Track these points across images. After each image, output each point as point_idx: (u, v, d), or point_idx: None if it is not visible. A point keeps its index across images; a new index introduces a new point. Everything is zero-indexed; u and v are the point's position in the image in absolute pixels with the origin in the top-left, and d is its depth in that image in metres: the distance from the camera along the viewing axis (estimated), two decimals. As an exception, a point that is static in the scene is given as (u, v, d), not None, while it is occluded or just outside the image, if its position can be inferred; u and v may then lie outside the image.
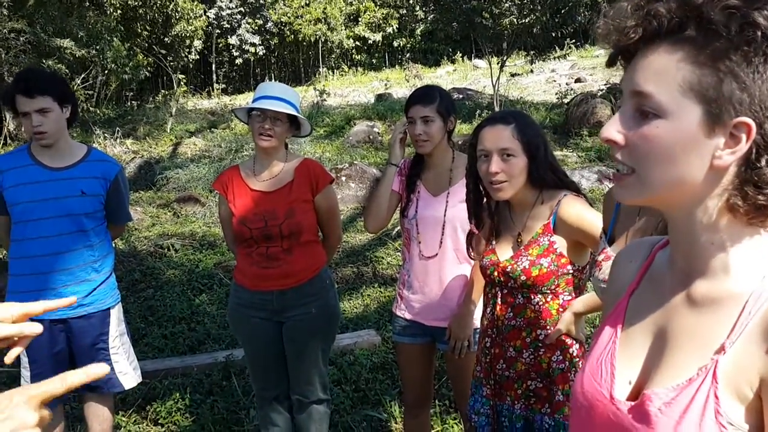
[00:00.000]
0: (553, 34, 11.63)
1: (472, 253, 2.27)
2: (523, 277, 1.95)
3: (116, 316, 2.91)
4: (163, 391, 3.79)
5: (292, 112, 2.66)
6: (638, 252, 1.07)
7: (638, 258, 1.06)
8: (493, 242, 2.11)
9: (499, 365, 2.03)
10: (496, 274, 2.03)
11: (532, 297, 1.97)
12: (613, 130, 0.87)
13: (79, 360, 2.84)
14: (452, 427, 3.36)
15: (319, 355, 2.84)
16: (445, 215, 2.55)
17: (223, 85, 24.35)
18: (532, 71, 13.95)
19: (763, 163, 0.78)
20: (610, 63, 0.92)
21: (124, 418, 3.51)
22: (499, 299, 2.03)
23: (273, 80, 27.12)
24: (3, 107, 13.60)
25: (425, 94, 2.55)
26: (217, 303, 5.18)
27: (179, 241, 6.52)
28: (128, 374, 2.95)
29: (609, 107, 10.10)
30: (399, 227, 6.86)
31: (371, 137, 10.56)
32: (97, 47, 14.06)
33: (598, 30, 0.89)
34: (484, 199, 2.09)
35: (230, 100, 17.93)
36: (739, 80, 0.76)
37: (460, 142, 7.53)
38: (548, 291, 1.95)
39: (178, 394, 3.75)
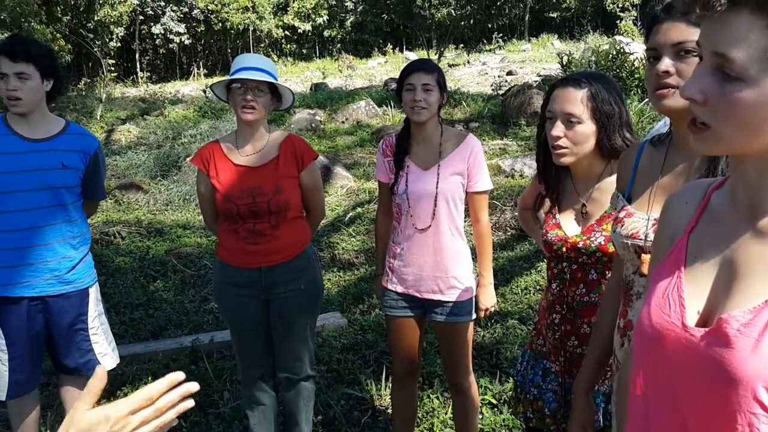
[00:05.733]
0: (489, 26, 11.88)
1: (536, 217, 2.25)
2: (598, 254, 1.88)
3: (94, 295, 2.82)
4: (131, 376, 3.69)
5: (273, 80, 2.62)
6: (693, 193, 1.12)
7: (694, 199, 1.11)
8: (556, 215, 2.04)
9: (570, 342, 1.98)
10: (564, 249, 1.96)
11: (607, 273, 1.88)
12: (695, 89, 0.90)
13: (58, 342, 2.74)
14: (432, 399, 3.42)
15: (307, 331, 2.83)
16: (437, 188, 2.59)
17: (148, 73, 23.58)
18: (468, 62, 14.18)
19: None
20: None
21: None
22: (567, 275, 1.97)
23: (200, 69, 26.50)
24: None
25: (427, 63, 2.59)
26: (173, 289, 5.06)
27: (125, 228, 6.31)
28: (107, 355, 2.86)
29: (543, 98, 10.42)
30: (351, 213, 6.88)
31: (313, 125, 10.51)
32: (19, 30, 13.34)
33: None
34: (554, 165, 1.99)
35: (159, 88, 17.39)
36: None
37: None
38: None
39: (146, 379, 3.65)
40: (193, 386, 1.00)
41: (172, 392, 0.99)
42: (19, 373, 2.67)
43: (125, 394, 3.48)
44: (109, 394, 3.54)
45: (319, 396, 3.50)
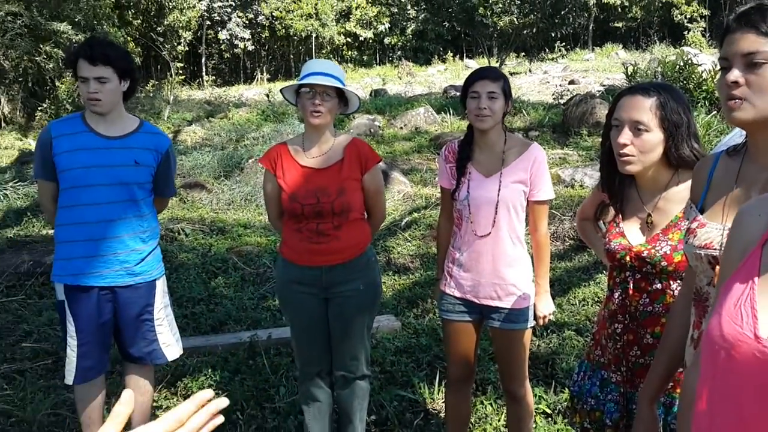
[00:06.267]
0: (552, 34, 11.77)
1: (599, 226, 2.25)
2: (663, 263, 1.87)
3: (161, 288, 2.92)
4: (192, 368, 3.81)
5: (341, 86, 2.68)
6: (766, 206, 1.12)
7: (766, 211, 1.11)
8: (620, 224, 2.02)
9: (632, 352, 1.96)
10: (628, 258, 1.94)
11: (671, 283, 1.88)
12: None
13: (124, 331, 2.85)
14: (485, 406, 3.42)
15: (365, 330, 2.87)
16: (498, 195, 2.59)
17: (213, 77, 24.23)
18: (530, 71, 14.05)
19: None
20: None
21: (155, 394, 3.51)
22: (630, 284, 1.95)
23: (263, 74, 27.09)
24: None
25: (493, 71, 2.59)
26: (233, 286, 5.19)
27: (189, 225, 6.51)
28: (171, 346, 2.96)
29: (607, 107, 10.24)
30: (407, 218, 6.92)
31: (372, 130, 10.61)
32: (93, 33, 13.92)
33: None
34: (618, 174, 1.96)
35: (223, 91, 17.85)
36: None
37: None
38: None
39: (206, 372, 3.77)
40: (222, 402, 0.99)
41: (201, 412, 0.96)
42: (87, 359, 2.78)
43: (185, 386, 3.61)
44: (171, 384, 3.66)
45: (372, 396, 3.53)
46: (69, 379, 2.80)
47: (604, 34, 27.53)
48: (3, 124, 13.74)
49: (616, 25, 27.60)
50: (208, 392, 0.99)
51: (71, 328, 2.75)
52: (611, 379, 2.04)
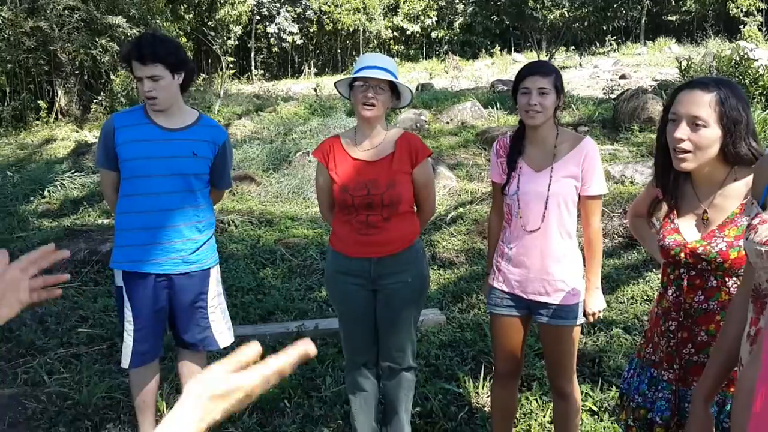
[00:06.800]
0: (604, 28, 11.56)
1: (652, 222, 2.23)
2: (719, 260, 1.85)
3: (215, 276, 3.01)
4: (241, 356, 3.89)
5: (394, 79, 2.71)
6: None
7: None
8: (675, 220, 2.00)
9: (686, 349, 1.95)
10: (682, 255, 1.92)
11: (727, 280, 1.87)
12: None
13: (179, 318, 2.94)
14: (531, 401, 3.41)
15: (412, 323, 2.90)
16: (549, 190, 2.58)
17: (261, 71, 24.53)
18: (581, 64, 13.84)
19: None
20: None
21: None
22: (685, 281, 1.93)
23: (311, 68, 27.32)
24: (55, 80, 13.81)
25: (544, 66, 2.57)
26: (281, 277, 5.29)
27: (238, 217, 6.65)
28: (223, 333, 3.04)
29: (660, 102, 10.01)
30: (453, 213, 6.92)
31: (418, 125, 10.61)
32: (147, 27, 14.26)
33: None
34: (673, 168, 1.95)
35: (272, 85, 18.08)
36: None
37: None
38: None
39: (256, 360, 3.84)
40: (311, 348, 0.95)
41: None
42: (143, 343, 2.88)
43: (236, 372, 3.69)
44: (221, 370, 3.75)
45: (416, 389, 3.55)
46: (125, 362, 2.91)
47: (656, 28, 26.86)
48: (60, 116, 14.20)
49: (670, 18, 26.90)
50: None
51: (128, 313, 2.85)
52: (662, 377, 2.02)
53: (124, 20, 13.51)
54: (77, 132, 12.68)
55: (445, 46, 28.60)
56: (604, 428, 3.17)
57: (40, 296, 1.15)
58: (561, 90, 2.58)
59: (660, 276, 2.13)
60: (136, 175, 2.76)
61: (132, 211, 2.80)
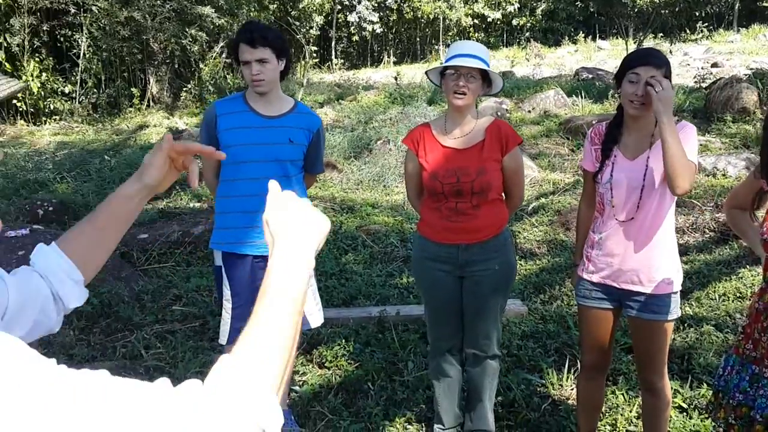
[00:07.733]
0: (695, 14, 11.06)
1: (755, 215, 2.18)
2: None
3: (311, 260, 3.10)
4: (326, 337, 4.01)
5: (486, 67, 2.70)
6: None
7: None
8: None
9: None
10: None
11: None
12: None
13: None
14: (617, 396, 3.36)
15: (498, 310, 2.92)
16: (644, 179, 2.52)
17: (342, 60, 24.78)
18: (671, 52, 13.29)
19: None
20: None
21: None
22: None
23: (390, 57, 27.39)
24: (145, 72, 14.42)
25: (657, 55, 2.48)
26: (362, 263, 5.38)
27: (321, 203, 6.79)
28: (314, 314, 3.14)
29: (755, 92, 9.52)
30: (534, 203, 6.83)
31: (499, 114, 10.49)
32: (234, 17, 14.66)
33: None
34: None
35: (353, 74, 18.26)
36: None
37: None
38: None
39: (339, 342, 3.95)
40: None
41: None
42: (241, 321, 3.00)
43: (320, 354, 3.81)
44: (306, 352, 3.88)
45: (499, 378, 3.57)
46: (223, 339, 3.05)
47: (751, 14, 25.39)
48: (152, 104, 14.83)
49: (765, 4, 25.42)
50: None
51: (227, 291, 2.99)
52: (764, 373, 1.97)
53: (213, 10, 13.94)
54: (168, 119, 13.21)
55: (527, 33, 28.04)
56: (694, 425, 3.10)
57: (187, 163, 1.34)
58: (669, 80, 2.50)
59: (762, 271, 2.06)
60: (236, 161, 2.88)
61: (232, 195, 2.93)
